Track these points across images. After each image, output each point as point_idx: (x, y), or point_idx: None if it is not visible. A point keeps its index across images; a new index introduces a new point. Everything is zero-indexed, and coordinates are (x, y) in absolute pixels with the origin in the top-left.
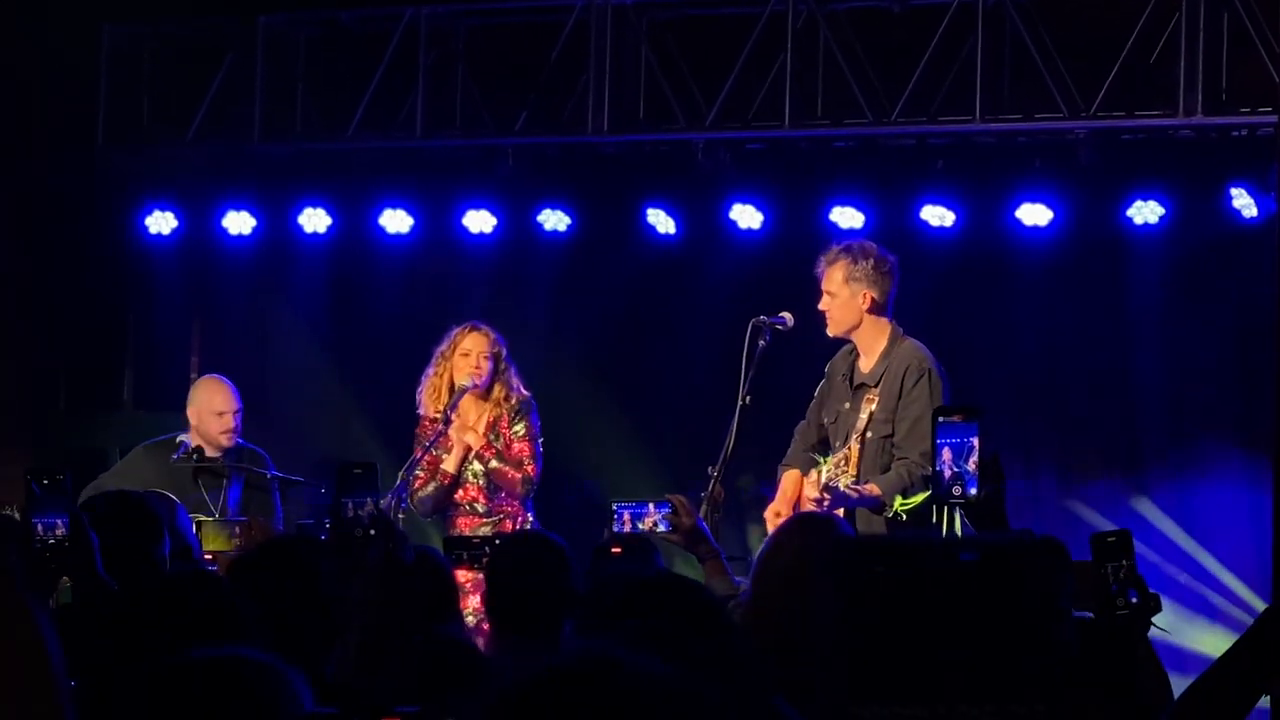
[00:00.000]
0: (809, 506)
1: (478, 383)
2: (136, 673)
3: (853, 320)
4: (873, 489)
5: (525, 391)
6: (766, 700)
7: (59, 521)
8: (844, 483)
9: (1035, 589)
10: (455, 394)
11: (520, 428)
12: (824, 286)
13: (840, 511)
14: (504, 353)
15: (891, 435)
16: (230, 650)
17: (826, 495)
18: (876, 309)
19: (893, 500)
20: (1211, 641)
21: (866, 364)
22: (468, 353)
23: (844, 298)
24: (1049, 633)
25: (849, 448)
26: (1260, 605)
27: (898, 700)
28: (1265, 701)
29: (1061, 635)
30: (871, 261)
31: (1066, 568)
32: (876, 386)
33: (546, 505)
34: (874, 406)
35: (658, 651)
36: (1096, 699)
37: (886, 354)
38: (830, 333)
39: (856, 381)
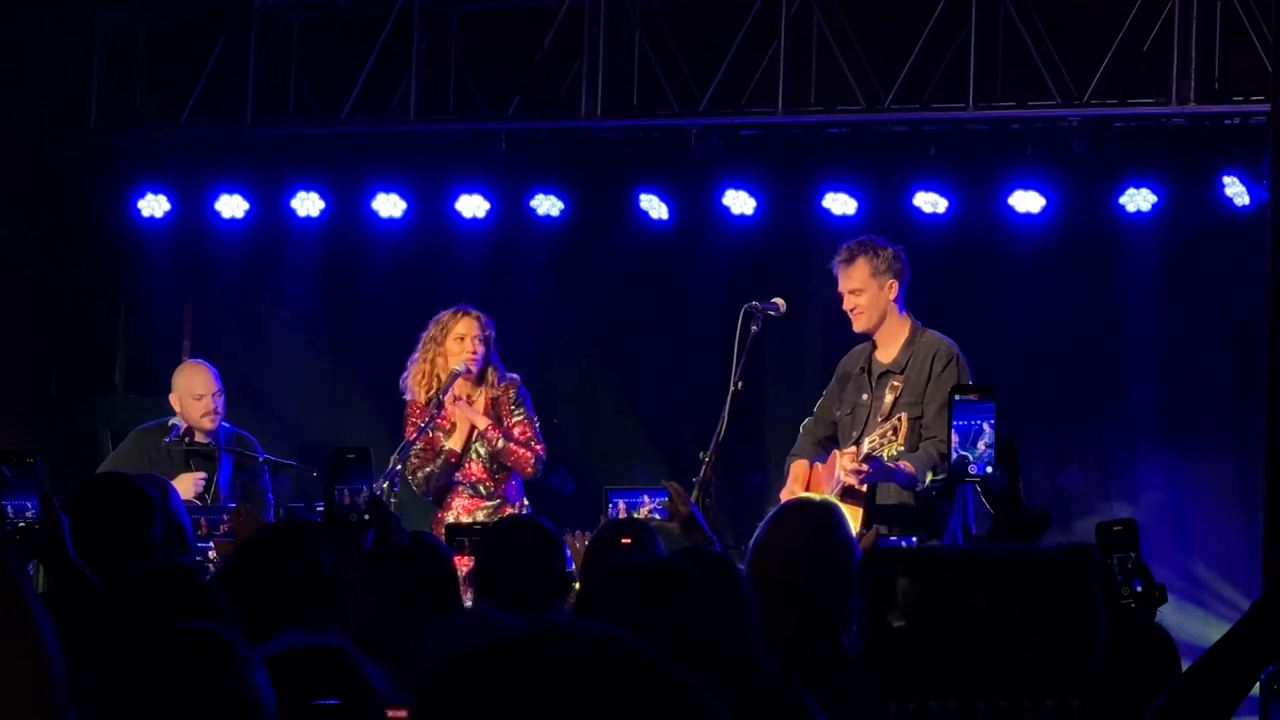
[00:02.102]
0: (846, 478)
1: (472, 368)
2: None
3: (882, 311)
4: (908, 466)
5: (513, 375)
6: (774, 684)
7: (29, 504)
8: (888, 454)
9: (1067, 589)
10: (449, 378)
11: (521, 412)
12: (846, 286)
13: (863, 488)
14: (493, 336)
15: (920, 417)
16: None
17: (866, 467)
18: (900, 298)
19: (924, 476)
20: (1201, 631)
21: (887, 354)
22: (462, 337)
23: (873, 291)
24: (1083, 630)
25: (897, 419)
26: (1251, 596)
27: (931, 695)
28: (1255, 690)
29: (1095, 633)
30: (890, 252)
31: (1097, 570)
32: (902, 373)
33: (536, 491)
34: (900, 392)
35: (658, 636)
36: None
37: (910, 342)
38: (860, 328)
39: (878, 371)
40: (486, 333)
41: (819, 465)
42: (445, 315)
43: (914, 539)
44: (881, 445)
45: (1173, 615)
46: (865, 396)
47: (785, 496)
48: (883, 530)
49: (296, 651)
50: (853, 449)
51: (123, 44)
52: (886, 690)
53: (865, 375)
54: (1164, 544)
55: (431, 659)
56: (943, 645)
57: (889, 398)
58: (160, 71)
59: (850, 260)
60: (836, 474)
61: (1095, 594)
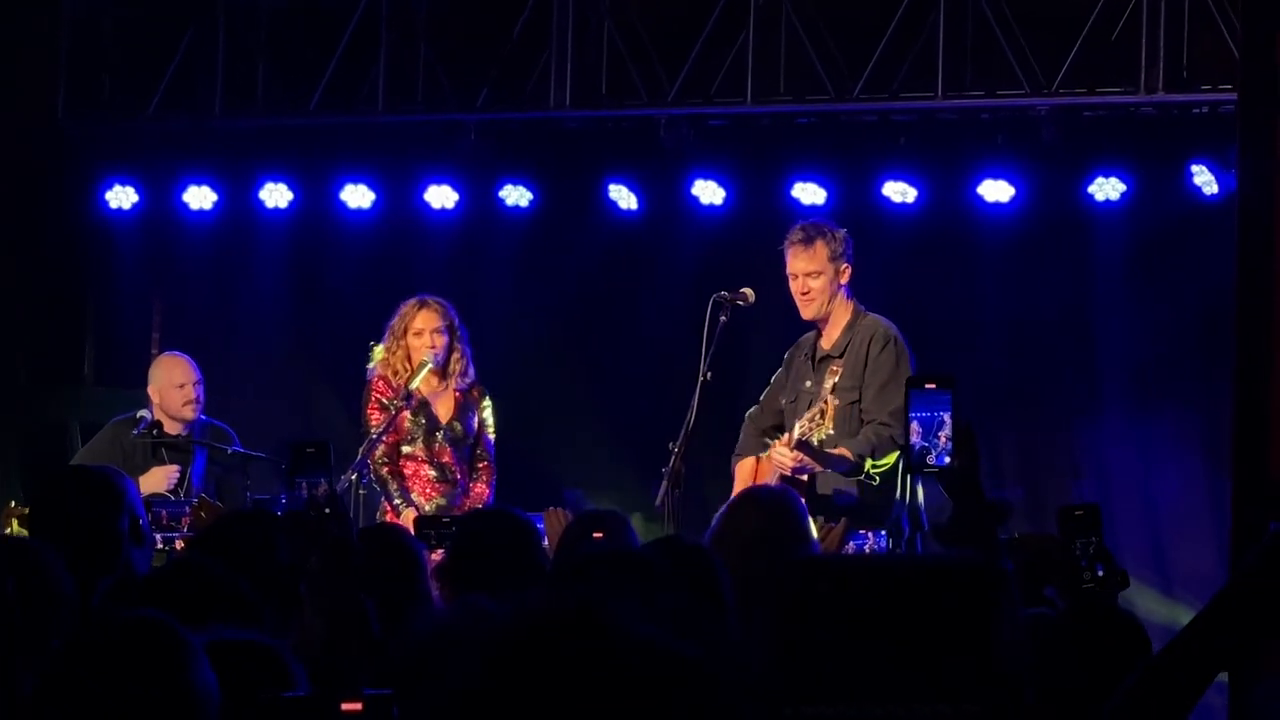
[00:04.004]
0: (781, 465)
1: (438, 359)
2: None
3: (833, 296)
4: (843, 452)
5: (474, 372)
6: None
7: None
8: (816, 438)
9: (971, 595)
10: (417, 368)
11: (490, 416)
12: (802, 268)
13: (804, 476)
14: (457, 323)
15: (858, 401)
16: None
17: (800, 454)
18: (848, 283)
19: (863, 462)
20: (1168, 614)
21: (829, 339)
22: (420, 331)
23: (829, 275)
24: (983, 636)
25: (824, 402)
26: (1217, 580)
27: (828, 700)
28: (1224, 677)
29: (996, 642)
30: (843, 234)
31: (1006, 582)
32: (841, 357)
33: (510, 473)
34: (838, 376)
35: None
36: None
37: (850, 326)
38: (811, 315)
39: (819, 356)
40: (448, 322)
41: (764, 459)
42: (407, 306)
43: (882, 534)
44: (811, 430)
45: (1138, 598)
46: (809, 383)
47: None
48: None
49: (222, 644)
50: (784, 437)
51: (89, 34)
52: (785, 694)
53: (809, 361)
54: (1132, 529)
55: (417, 649)
56: (842, 651)
57: (828, 382)
58: (127, 62)
59: (809, 242)
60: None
61: (998, 604)
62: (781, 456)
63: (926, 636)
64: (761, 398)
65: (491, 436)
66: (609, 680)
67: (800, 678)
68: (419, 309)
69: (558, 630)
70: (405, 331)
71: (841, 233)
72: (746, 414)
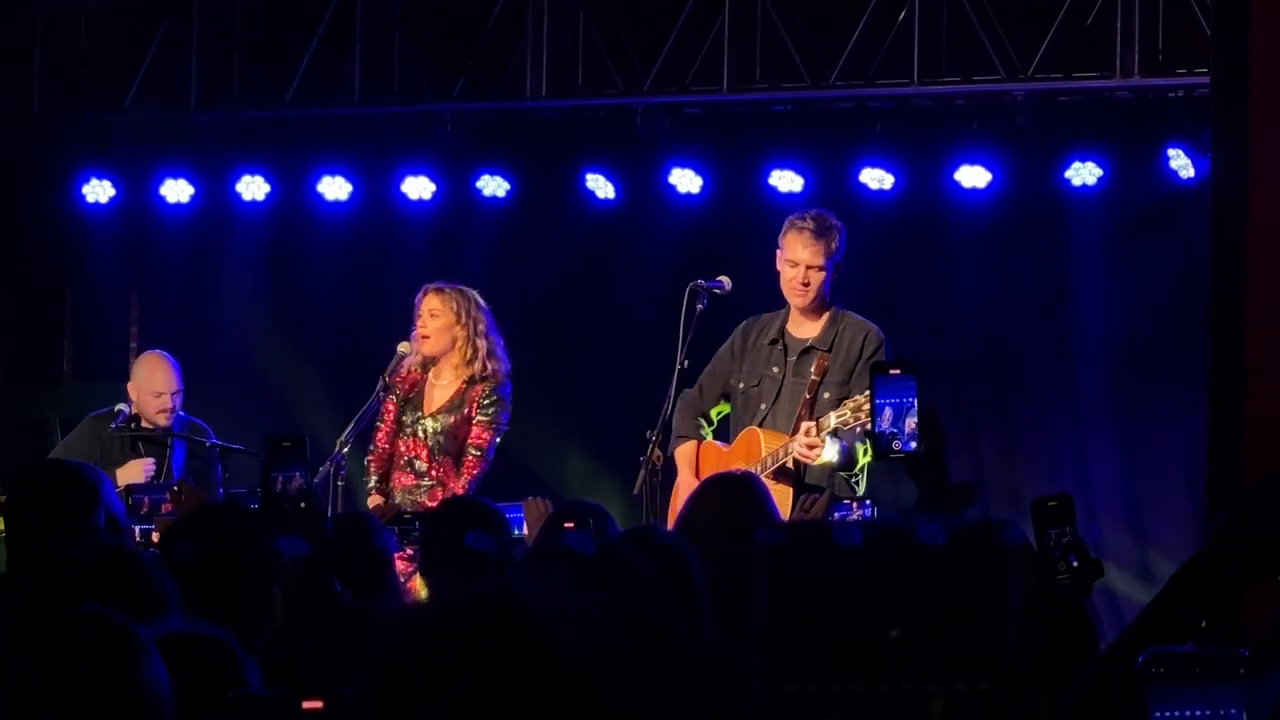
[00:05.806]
0: (805, 456)
1: (420, 349)
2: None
3: (825, 290)
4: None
5: (496, 368)
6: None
7: None
8: (861, 426)
9: (983, 571)
10: (395, 360)
11: (485, 416)
12: (808, 259)
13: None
14: (464, 311)
15: (846, 397)
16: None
17: (823, 441)
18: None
19: (858, 454)
20: (1148, 599)
21: (807, 330)
22: (419, 315)
23: (829, 269)
24: (996, 613)
25: (864, 394)
26: None
27: (835, 677)
28: None
29: (1006, 616)
30: (842, 229)
31: (1014, 551)
32: (828, 350)
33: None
34: (825, 371)
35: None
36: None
37: (834, 320)
38: (804, 303)
39: (797, 346)
40: (451, 308)
41: (721, 447)
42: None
43: (868, 504)
44: (855, 419)
45: (1120, 584)
46: (777, 370)
47: (684, 490)
48: (838, 496)
49: (179, 637)
50: (809, 424)
51: (64, 26)
52: (786, 672)
53: (778, 348)
54: (1110, 512)
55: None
56: (846, 626)
57: (813, 375)
58: (102, 55)
59: (820, 235)
60: (792, 449)
61: (1007, 576)
62: (805, 449)
63: (936, 610)
64: (703, 378)
65: (486, 433)
66: (518, 674)
67: (802, 653)
68: (426, 293)
69: (470, 623)
70: (416, 315)
71: (842, 228)
72: (683, 396)
